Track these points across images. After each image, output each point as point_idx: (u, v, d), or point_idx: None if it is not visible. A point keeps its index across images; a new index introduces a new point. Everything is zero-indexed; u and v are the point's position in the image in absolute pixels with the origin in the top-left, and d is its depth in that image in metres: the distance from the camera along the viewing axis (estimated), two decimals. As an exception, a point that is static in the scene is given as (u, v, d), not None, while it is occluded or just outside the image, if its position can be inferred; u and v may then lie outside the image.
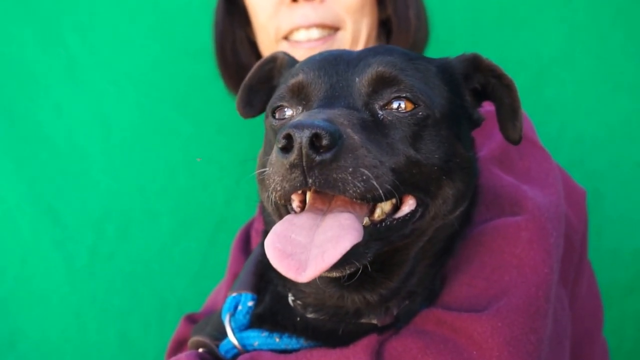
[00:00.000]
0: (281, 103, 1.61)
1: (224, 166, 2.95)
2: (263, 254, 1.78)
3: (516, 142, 1.68)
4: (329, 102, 1.50)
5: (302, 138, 1.30)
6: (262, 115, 1.81)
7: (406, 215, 1.51)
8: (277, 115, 1.62)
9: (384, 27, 2.50)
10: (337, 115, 1.42)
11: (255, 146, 1.77)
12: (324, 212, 1.44)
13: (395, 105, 1.51)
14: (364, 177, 1.34)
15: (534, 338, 1.62)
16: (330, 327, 1.65)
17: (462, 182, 1.59)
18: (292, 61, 1.80)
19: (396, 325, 1.66)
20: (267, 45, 2.42)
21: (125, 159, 2.93)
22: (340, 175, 1.33)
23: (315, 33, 2.31)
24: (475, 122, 1.73)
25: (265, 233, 1.75)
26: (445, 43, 2.66)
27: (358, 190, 1.34)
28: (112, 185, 2.92)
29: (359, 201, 1.39)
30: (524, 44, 2.83)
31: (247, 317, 1.77)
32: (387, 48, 1.64)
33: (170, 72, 2.94)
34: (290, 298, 1.71)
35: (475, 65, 1.69)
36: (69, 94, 2.90)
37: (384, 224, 1.48)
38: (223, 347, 1.77)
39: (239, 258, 2.36)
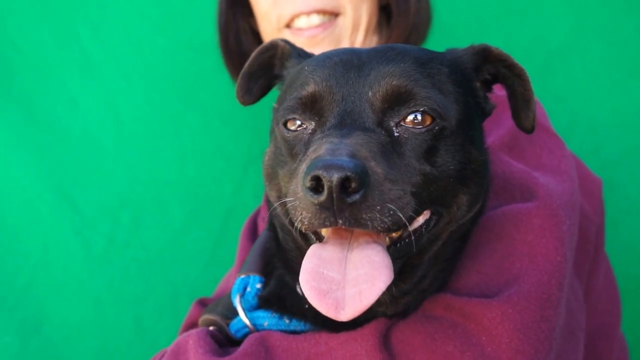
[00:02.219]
0: (293, 116, 1.57)
1: (230, 157, 3.00)
2: (268, 240, 1.85)
3: (529, 131, 1.65)
4: (342, 119, 1.47)
5: (332, 182, 1.29)
6: (268, 105, 1.80)
7: (422, 225, 1.50)
8: (289, 126, 1.58)
9: (384, 12, 2.49)
10: (359, 147, 1.39)
11: (259, 137, 1.76)
12: (349, 241, 1.45)
13: (410, 117, 1.48)
14: (391, 212, 1.34)
15: (545, 326, 1.59)
16: None
17: (476, 186, 1.57)
18: (293, 51, 1.78)
19: (405, 312, 1.66)
20: (270, 34, 2.46)
21: (137, 151, 3.01)
22: (369, 215, 1.33)
23: (315, 19, 2.35)
24: (487, 114, 1.70)
25: (275, 239, 1.79)
26: (450, 30, 2.62)
27: (385, 225, 1.34)
28: (126, 175, 3.01)
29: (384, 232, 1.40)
30: (531, 29, 2.76)
31: (256, 298, 1.82)
32: (399, 52, 1.57)
33: (177, 66, 3.02)
34: (300, 290, 1.72)
35: (484, 57, 1.65)
36: (84, 88, 3.00)
37: (402, 241, 1.48)
38: (233, 326, 1.82)
39: (247, 246, 2.41)
